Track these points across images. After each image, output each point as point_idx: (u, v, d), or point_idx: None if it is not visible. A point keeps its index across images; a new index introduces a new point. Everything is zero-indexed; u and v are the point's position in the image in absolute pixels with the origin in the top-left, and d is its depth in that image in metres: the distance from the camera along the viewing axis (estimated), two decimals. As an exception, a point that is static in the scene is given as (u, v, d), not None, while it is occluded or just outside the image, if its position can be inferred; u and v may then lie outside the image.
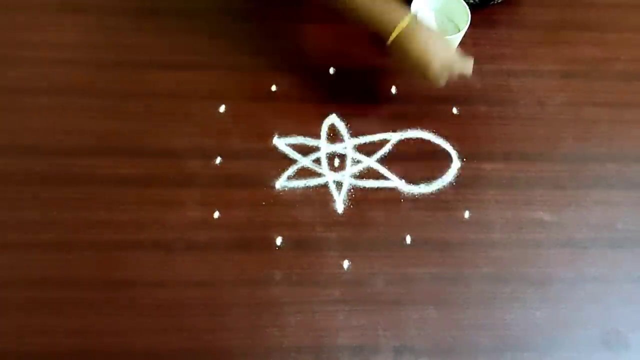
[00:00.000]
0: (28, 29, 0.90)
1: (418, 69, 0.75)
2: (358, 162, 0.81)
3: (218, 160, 0.80)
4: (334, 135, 0.83)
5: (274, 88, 0.86)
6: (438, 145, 0.83)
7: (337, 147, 0.82)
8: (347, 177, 0.80)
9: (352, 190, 0.79)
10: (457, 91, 0.87)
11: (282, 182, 0.79)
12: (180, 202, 0.77)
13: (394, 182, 0.80)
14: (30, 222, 0.75)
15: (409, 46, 0.74)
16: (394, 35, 0.74)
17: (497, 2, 0.93)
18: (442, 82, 0.77)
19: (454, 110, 0.85)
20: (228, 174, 0.79)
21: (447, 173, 0.80)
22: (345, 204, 0.78)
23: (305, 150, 0.81)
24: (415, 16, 0.74)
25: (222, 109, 0.84)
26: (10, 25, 0.90)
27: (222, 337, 0.70)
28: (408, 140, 0.83)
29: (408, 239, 0.76)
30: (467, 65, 0.77)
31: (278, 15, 0.92)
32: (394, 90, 0.86)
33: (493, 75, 0.89)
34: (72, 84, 0.85)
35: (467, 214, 0.78)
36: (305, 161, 0.81)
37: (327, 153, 0.81)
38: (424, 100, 0.86)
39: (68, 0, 0.92)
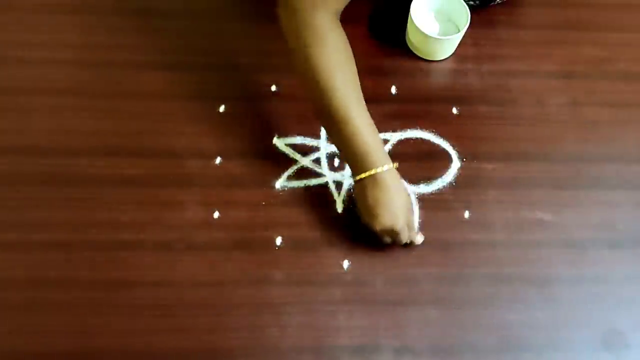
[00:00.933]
0: (28, 29, 0.89)
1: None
2: (358, 162, 0.81)
3: (218, 160, 0.80)
4: (334, 135, 0.83)
5: (273, 88, 0.86)
6: (438, 145, 0.82)
7: (337, 147, 0.82)
8: (347, 177, 0.80)
9: (352, 190, 0.79)
10: (457, 91, 0.87)
11: (282, 182, 0.79)
12: (180, 202, 0.77)
13: (394, 182, 0.79)
14: (30, 222, 0.75)
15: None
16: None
17: (498, 3, 0.92)
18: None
19: (454, 110, 0.85)
20: (228, 174, 0.79)
21: (447, 173, 0.80)
22: (345, 204, 0.78)
23: (305, 150, 0.81)
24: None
25: (222, 109, 0.84)
26: (10, 26, 0.90)
27: (222, 337, 0.70)
28: (408, 140, 0.83)
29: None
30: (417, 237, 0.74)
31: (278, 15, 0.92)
32: (393, 90, 0.86)
33: (493, 75, 0.89)
34: (72, 84, 0.85)
35: (467, 214, 0.78)
36: (305, 161, 0.81)
37: (327, 153, 0.81)
38: (423, 100, 0.86)
39: (68, 0, 0.92)
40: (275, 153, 0.81)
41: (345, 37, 0.72)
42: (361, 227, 0.75)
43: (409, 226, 0.73)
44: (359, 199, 0.72)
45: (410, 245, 0.75)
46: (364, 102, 0.71)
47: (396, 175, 0.71)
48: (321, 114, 0.71)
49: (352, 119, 0.69)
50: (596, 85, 0.89)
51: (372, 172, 0.69)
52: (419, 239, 0.74)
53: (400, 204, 0.70)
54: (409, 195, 0.74)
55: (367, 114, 0.71)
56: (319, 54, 0.68)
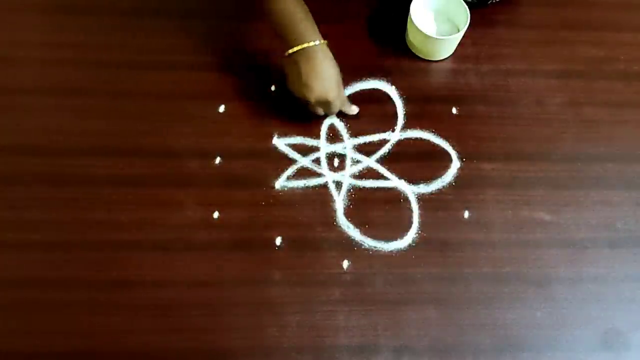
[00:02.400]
0: (28, 29, 0.89)
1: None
2: (357, 162, 0.81)
3: (218, 160, 0.80)
4: (333, 135, 0.83)
5: (273, 88, 0.86)
6: (437, 145, 0.83)
7: (337, 147, 0.82)
8: (346, 177, 0.80)
9: (351, 190, 0.79)
10: (457, 91, 0.87)
11: (281, 182, 0.79)
12: (179, 202, 0.77)
13: (394, 182, 0.80)
14: (30, 222, 0.75)
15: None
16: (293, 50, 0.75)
17: (496, 1, 0.92)
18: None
19: (454, 110, 0.85)
20: (228, 174, 0.79)
21: (446, 173, 0.80)
22: (345, 204, 0.78)
23: (304, 150, 0.81)
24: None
25: (221, 109, 0.84)
26: (10, 25, 0.90)
27: (222, 337, 0.70)
28: (407, 140, 0.83)
29: (408, 239, 0.76)
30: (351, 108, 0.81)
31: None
32: (393, 90, 0.86)
33: (492, 75, 0.89)
34: (71, 84, 0.85)
35: (466, 214, 0.78)
36: (304, 161, 0.81)
37: (327, 153, 0.81)
38: (423, 100, 0.86)
39: (68, 0, 0.92)
40: (275, 153, 0.81)
41: None
42: (361, 227, 0.75)
43: (341, 98, 0.79)
44: (292, 74, 0.77)
45: (344, 115, 0.82)
46: None
47: (327, 50, 0.76)
48: None
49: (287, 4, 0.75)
50: (595, 85, 0.89)
51: (304, 45, 0.74)
52: (354, 108, 0.81)
53: (331, 76, 0.76)
54: (338, 69, 0.78)
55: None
56: None
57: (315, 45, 0.75)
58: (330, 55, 0.77)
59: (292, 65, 0.76)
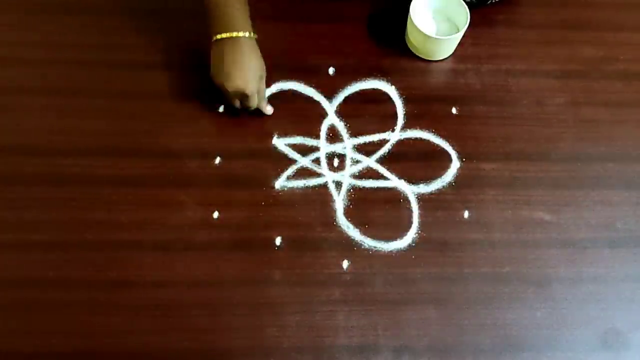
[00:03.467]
0: (28, 29, 0.89)
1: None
2: (357, 162, 0.81)
3: (217, 160, 0.80)
4: (333, 135, 0.83)
5: (274, 89, 0.86)
6: (437, 145, 0.83)
7: (337, 147, 0.82)
8: (346, 177, 0.80)
9: (351, 190, 0.79)
10: (457, 91, 0.87)
11: (281, 182, 0.79)
12: (179, 202, 0.77)
13: (394, 182, 0.80)
14: (30, 222, 0.75)
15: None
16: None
17: (496, 1, 0.92)
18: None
19: (453, 110, 0.85)
20: (227, 174, 0.79)
21: (446, 173, 0.81)
22: (344, 204, 0.78)
23: (304, 150, 0.81)
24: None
25: (221, 109, 0.84)
26: (10, 26, 0.90)
27: (222, 337, 0.70)
28: (407, 140, 0.83)
29: (407, 239, 0.76)
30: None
31: (277, 15, 0.92)
32: (393, 90, 0.86)
33: (492, 75, 0.89)
34: (71, 84, 0.85)
35: (466, 214, 0.78)
36: (304, 161, 0.81)
37: (327, 153, 0.81)
38: (423, 100, 0.86)
39: (67, 0, 0.92)
40: (275, 153, 0.81)
41: None
42: (360, 227, 0.75)
43: (260, 94, 0.78)
44: (215, 59, 0.77)
45: (258, 113, 0.82)
46: None
47: (254, 44, 0.77)
48: None
49: None
50: (595, 85, 0.89)
51: (233, 34, 0.74)
52: (269, 109, 0.81)
53: (253, 69, 0.76)
54: (263, 64, 0.78)
55: None
56: None
57: (244, 36, 0.75)
58: (257, 49, 0.77)
59: (217, 52, 0.76)
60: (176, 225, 0.75)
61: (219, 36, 0.75)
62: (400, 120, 0.84)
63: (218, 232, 0.75)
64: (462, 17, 0.86)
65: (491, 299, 0.73)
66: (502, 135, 0.84)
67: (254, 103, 0.79)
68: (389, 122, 0.84)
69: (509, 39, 0.92)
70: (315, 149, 0.82)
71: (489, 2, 0.92)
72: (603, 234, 0.78)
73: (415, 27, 0.84)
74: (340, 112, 0.84)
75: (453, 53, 0.90)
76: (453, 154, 0.82)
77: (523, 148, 0.83)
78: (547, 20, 0.95)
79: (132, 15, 0.91)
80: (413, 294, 0.73)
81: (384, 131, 0.83)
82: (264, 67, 0.78)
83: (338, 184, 0.79)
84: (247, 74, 0.75)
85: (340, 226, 0.76)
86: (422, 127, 0.84)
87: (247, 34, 0.75)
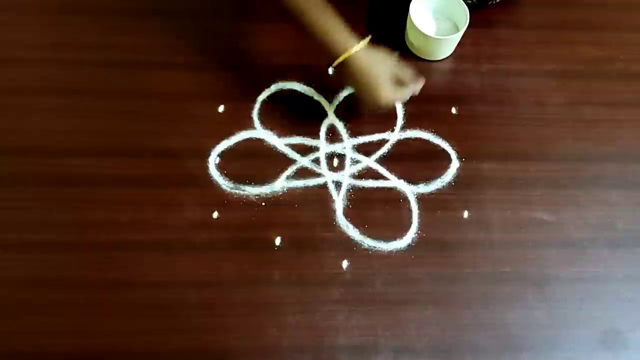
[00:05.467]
0: (27, 29, 0.90)
1: (367, 94, 0.75)
2: (357, 162, 0.81)
3: (217, 160, 0.80)
4: (333, 135, 0.83)
5: (274, 88, 0.86)
6: (437, 145, 0.83)
7: (336, 147, 0.82)
8: (346, 177, 0.80)
9: (351, 190, 0.79)
10: (456, 91, 0.87)
11: (281, 182, 0.79)
12: (179, 202, 0.77)
13: (393, 182, 0.80)
14: (30, 222, 0.75)
15: (358, 71, 0.74)
16: (340, 59, 0.74)
17: (496, 2, 0.92)
18: (393, 103, 0.78)
19: (453, 110, 0.85)
20: (227, 174, 0.79)
21: (446, 173, 0.80)
22: (344, 204, 0.78)
23: (304, 150, 0.81)
24: (366, 41, 0.75)
25: (221, 108, 0.84)
26: (10, 26, 0.90)
27: (222, 337, 0.70)
28: (407, 140, 0.83)
29: (407, 239, 0.76)
30: (416, 85, 0.79)
31: (277, 15, 0.92)
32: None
33: (492, 75, 0.89)
34: (71, 84, 0.85)
35: (466, 214, 0.78)
36: (304, 161, 0.81)
37: (326, 153, 0.82)
38: (422, 100, 0.85)
39: (67, 0, 0.92)
40: (274, 153, 0.81)
41: None
42: (360, 227, 0.75)
43: (391, 74, 0.76)
44: (352, 78, 0.76)
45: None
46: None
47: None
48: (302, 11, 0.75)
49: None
50: (595, 85, 0.89)
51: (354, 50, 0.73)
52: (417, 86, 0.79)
53: (385, 72, 0.75)
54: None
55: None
56: None
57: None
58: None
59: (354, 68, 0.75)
60: (176, 225, 0.75)
61: (341, 59, 0.75)
62: (400, 120, 0.84)
63: (218, 232, 0.75)
64: (462, 17, 0.86)
65: (491, 299, 0.73)
66: (502, 135, 0.84)
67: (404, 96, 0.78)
68: (388, 122, 0.84)
69: (509, 39, 0.92)
70: (315, 149, 0.82)
71: (489, 3, 0.92)
72: (603, 234, 0.78)
73: (415, 27, 0.84)
74: (340, 112, 0.84)
75: (453, 53, 0.90)
76: (453, 154, 0.82)
77: (523, 148, 0.83)
78: (547, 20, 0.95)
79: (132, 15, 0.91)
80: (413, 294, 0.73)
81: (384, 131, 0.83)
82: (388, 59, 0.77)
83: (338, 184, 0.79)
84: (382, 79, 0.75)
85: (340, 226, 0.76)
86: (422, 127, 0.84)
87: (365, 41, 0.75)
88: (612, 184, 0.81)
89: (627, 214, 0.80)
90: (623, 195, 0.81)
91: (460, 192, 0.79)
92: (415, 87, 0.78)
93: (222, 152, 0.80)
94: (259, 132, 0.82)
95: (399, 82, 0.77)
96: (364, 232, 0.76)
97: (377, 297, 0.72)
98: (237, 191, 0.78)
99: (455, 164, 0.81)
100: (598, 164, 0.83)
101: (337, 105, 0.85)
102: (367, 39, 0.75)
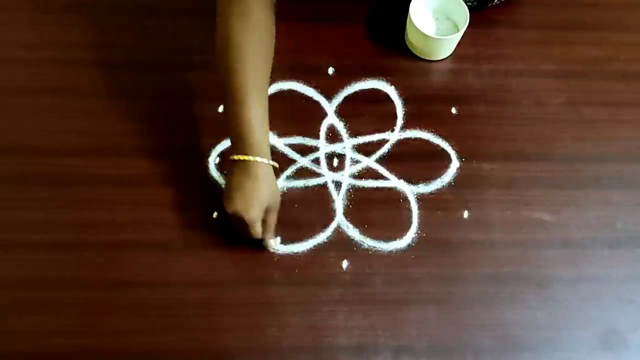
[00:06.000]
0: (27, 29, 0.89)
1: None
2: (357, 162, 0.81)
3: (217, 160, 0.80)
4: (332, 135, 0.83)
5: (273, 88, 0.86)
6: (437, 145, 0.83)
7: (336, 147, 0.82)
8: (346, 177, 0.80)
9: (351, 190, 0.79)
10: (456, 91, 0.87)
11: (281, 182, 0.79)
12: (179, 202, 0.77)
13: (393, 182, 0.80)
14: (30, 222, 0.75)
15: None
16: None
17: (496, 4, 0.92)
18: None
19: (453, 110, 0.85)
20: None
21: (446, 173, 0.80)
22: (344, 204, 0.78)
23: (304, 150, 0.81)
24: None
25: (221, 108, 0.84)
26: (10, 25, 0.90)
27: (221, 337, 0.70)
28: (407, 140, 0.83)
29: (407, 239, 0.76)
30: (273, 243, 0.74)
31: (277, 15, 0.92)
32: (392, 90, 0.86)
33: (492, 75, 0.89)
34: (71, 84, 0.85)
35: (466, 214, 0.78)
36: (304, 161, 0.81)
37: (326, 153, 0.81)
38: (422, 100, 0.86)
39: (66, 0, 0.92)
40: (274, 153, 0.81)
41: (273, 22, 0.74)
42: (360, 227, 0.75)
43: (266, 226, 0.72)
44: (227, 179, 0.72)
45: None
46: (266, 89, 0.73)
47: (270, 172, 0.71)
48: (222, 84, 0.71)
49: (247, 103, 0.69)
50: (595, 85, 0.89)
51: (248, 158, 0.69)
52: (272, 243, 0.73)
53: (259, 198, 0.69)
54: (277, 196, 0.72)
55: (265, 103, 0.72)
56: (239, 27, 0.70)
57: (258, 162, 0.69)
58: (272, 178, 0.71)
59: (229, 172, 0.71)
60: (176, 225, 0.75)
61: (233, 157, 0.70)
62: (400, 120, 0.84)
63: (218, 232, 0.75)
64: (462, 17, 0.86)
65: (491, 299, 0.73)
66: (501, 135, 0.84)
67: (254, 232, 0.70)
68: (388, 122, 0.84)
69: (509, 39, 0.92)
70: (315, 149, 0.82)
71: (489, 5, 0.92)
72: (603, 234, 0.78)
73: (415, 27, 0.84)
74: (340, 112, 0.84)
75: (453, 53, 0.90)
76: (453, 154, 0.82)
77: (523, 148, 0.83)
78: (547, 20, 0.95)
79: (132, 15, 0.91)
80: (413, 294, 0.73)
81: (384, 131, 0.83)
82: (277, 199, 0.72)
83: (337, 184, 0.79)
84: (249, 201, 0.68)
85: (340, 226, 0.76)
86: (422, 127, 0.84)
87: (259, 159, 0.69)
88: (612, 184, 0.81)
89: (627, 214, 0.79)
90: (623, 195, 0.81)
91: (460, 192, 0.79)
92: (270, 242, 0.73)
93: (222, 152, 0.80)
94: (259, 132, 0.82)
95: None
96: (364, 232, 0.76)
97: (377, 297, 0.72)
98: None
99: (455, 164, 0.81)
100: (598, 164, 0.83)
101: (337, 105, 0.85)
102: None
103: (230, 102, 0.70)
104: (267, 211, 0.71)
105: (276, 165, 0.72)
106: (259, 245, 0.74)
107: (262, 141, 0.70)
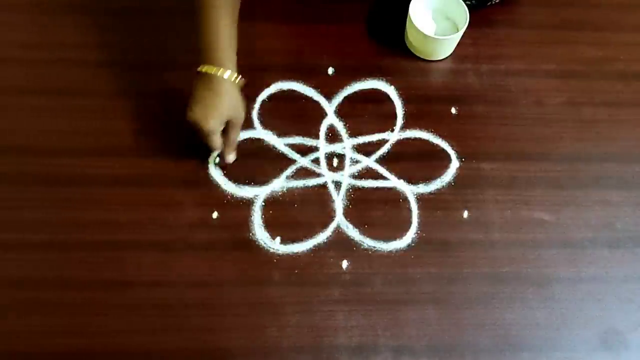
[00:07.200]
0: (26, 29, 0.89)
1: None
2: (357, 162, 0.81)
3: (217, 160, 0.80)
4: (332, 135, 0.83)
5: (273, 89, 0.86)
6: (437, 145, 0.83)
7: (336, 147, 0.82)
8: (346, 177, 0.80)
9: (351, 190, 0.79)
10: (456, 91, 0.87)
11: (281, 182, 0.79)
12: (179, 202, 0.77)
13: (393, 182, 0.80)
14: (29, 222, 0.75)
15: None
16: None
17: (495, 3, 0.92)
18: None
19: (453, 110, 0.85)
20: (227, 174, 0.79)
21: (446, 173, 0.80)
22: (344, 204, 0.78)
23: (304, 150, 0.81)
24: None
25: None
26: (9, 25, 0.90)
27: (221, 337, 0.70)
28: (407, 140, 0.83)
29: (407, 239, 0.76)
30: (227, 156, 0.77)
31: (277, 15, 0.93)
32: (392, 90, 0.86)
33: (492, 75, 0.89)
34: (70, 84, 0.85)
35: (466, 214, 0.78)
36: (304, 161, 0.81)
37: (326, 153, 0.81)
38: (422, 100, 0.86)
39: (65, 0, 0.92)
40: (274, 153, 0.81)
41: None
42: (360, 227, 0.76)
43: (228, 139, 0.74)
44: (192, 87, 0.73)
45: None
46: (237, 7, 0.73)
47: (233, 86, 0.72)
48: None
49: (217, 11, 0.70)
50: (595, 85, 0.89)
51: (212, 70, 0.70)
52: (230, 158, 0.77)
53: (219, 110, 0.71)
54: (240, 110, 0.74)
55: (234, 18, 0.72)
56: None
57: (223, 77, 0.70)
58: (234, 91, 0.72)
59: (195, 80, 0.72)
60: (175, 225, 0.75)
61: (199, 69, 0.71)
62: (400, 120, 0.84)
63: (217, 232, 0.75)
64: (462, 17, 0.86)
65: (491, 299, 0.73)
66: (501, 135, 0.84)
67: (212, 144, 0.73)
68: (388, 122, 0.84)
69: (508, 39, 0.92)
70: (315, 149, 0.82)
71: (488, 4, 0.92)
72: (603, 234, 0.78)
73: (415, 27, 0.84)
74: (340, 112, 0.84)
75: (452, 53, 0.90)
76: (452, 154, 0.82)
77: (523, 148, 0.83)
78: (547, 20, 0.94)
79: (131, 15, 0.91)
80: (413, 294, 0.73)
81: (383, 131, 0.83)
82: (240, 112, 0.74)
83: (337, 184, 0.79)
84: (208, 112, 0.70)
85: (339, 226, 0.76)
86: (422, 127, 0.84)
87: (226, 75, 0.70)
88: (612, 184, 0.81)
89: (627, 214, 0.79)
90: (623, 195, 0.81)
91: (460, 192, 0.79)
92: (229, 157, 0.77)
93: (222, 152, 0.80)
94: (259, 132, 0.82)
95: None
96: (364, 232, 0.76)
97: (377, 297, 0.72)
98: (236, 191, 0.78)
99: (455, 164, 0.81)
100: (598, 164, 0.83)
101: (337, 105, 0.85)
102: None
103: (199, 11, 0.70)
104: (230, 126, 0.73)
105: (242, 80, 0.73)
106: (259, 245, 0.74)
107: (227, 54, 0.71)
